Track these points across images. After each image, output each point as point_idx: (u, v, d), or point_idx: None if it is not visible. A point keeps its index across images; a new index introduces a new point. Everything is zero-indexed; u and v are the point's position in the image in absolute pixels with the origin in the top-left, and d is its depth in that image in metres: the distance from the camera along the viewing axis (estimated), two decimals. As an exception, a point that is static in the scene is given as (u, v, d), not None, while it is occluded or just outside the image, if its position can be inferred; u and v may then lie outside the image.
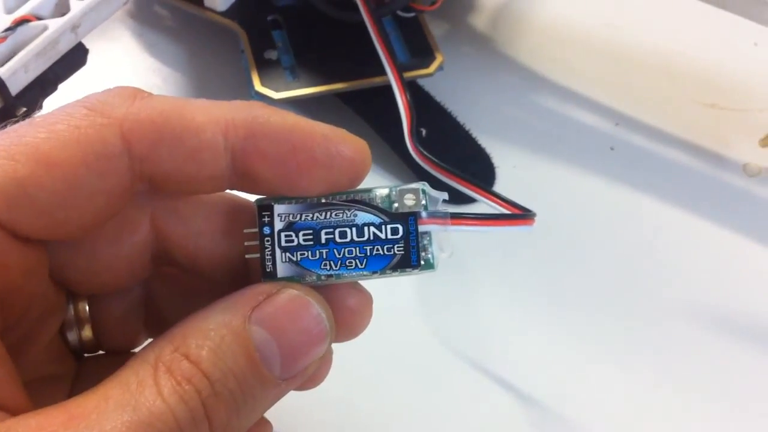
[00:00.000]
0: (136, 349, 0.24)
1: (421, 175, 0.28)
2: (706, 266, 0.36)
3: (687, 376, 0.33)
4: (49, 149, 0.18)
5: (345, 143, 0.20)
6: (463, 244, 0.36)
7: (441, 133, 0.39)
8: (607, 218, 0.37)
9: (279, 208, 0.20)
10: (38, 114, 0.31)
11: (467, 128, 0.40)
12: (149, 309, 0.24)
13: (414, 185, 0.20)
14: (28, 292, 0.19)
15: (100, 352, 0.24)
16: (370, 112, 0.39)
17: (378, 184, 0.20)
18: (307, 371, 0.19)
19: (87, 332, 0.23)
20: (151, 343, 0.19)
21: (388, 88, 0.35)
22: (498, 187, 0.38)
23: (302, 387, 0.22)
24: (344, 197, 0.20)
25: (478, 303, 0.34)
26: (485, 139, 0.39)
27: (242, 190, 0.20)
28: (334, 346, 0.23)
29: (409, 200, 0.20)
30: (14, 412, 0.17)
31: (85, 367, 0.23)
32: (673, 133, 0.40)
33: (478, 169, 0.38)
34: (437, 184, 0.22)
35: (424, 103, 0.40)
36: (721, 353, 0.33)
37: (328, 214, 0.20)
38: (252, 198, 0.21)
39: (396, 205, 0.20)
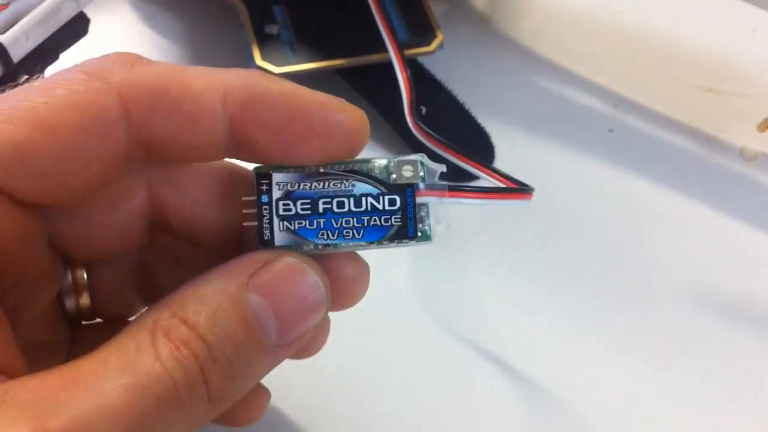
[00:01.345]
0: (131, 318, 0.24)
1: (421, 151, 0.28)
2: (703, 250, 0.36)
3: (681, 359, 0.33)
4: (47, 113, 0.18)
5: (343, 112, 0.20)
6: (460, 222, 0.36)
7: (441, 112, 0.39)
8: (604, 199, 0.37)
9: (277, 177, 0.20)
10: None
11: (467, 107, 0.40)
12: (144, 277, 0.24)
13: (412, 157, 0.20)
14: (24, 257, 0.19)
15: (97, 320, 0.24)
16: (369, 89, 0.39)
17: (381, 156, 0.20)
18: (302, 338, 0.19)
19: (84, 299, 0.23)
20: (148, 308, 0.19)
21: (387, 65, 0.35)
22: (497, 166, 0.38)
23: (299, 355, 0.23)
24: (342, 167, 0.20)
25: (474, 281, 0.35)
26: (484, 119, 0.39)
27: (240, 158, 0.20)
28: (331, 319, 0.23)
29: (407, 172, 0.20)
30: (12, 375, 0.17)
31: (80, 335, 0.23)
32: (671, 117, 0.40)
33: (478, 148, 0.38)
34: (435, 159, 0.22)
35: (424, 81, 0.40)
36: (718, 338, 0.34)
37: (326, 183, 0.20)
38: (250, 167, 0.21)
39: (394, 176, 0.20)
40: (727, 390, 0.32)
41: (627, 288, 0.35)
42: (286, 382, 0.26)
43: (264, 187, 0.20)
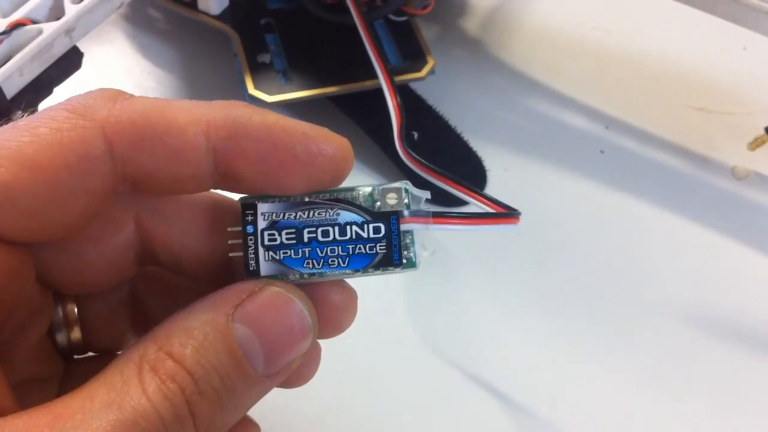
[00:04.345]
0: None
1: (412, 177, 0.28)
2: (695, 269, 0.36)
3: (673, 377, 0.33)
4: (32, 153, 0.18)
5: (326, 141, 0.20)
6: (452, 244, 0.36)
7: (432, 136, 0.39)
8: (596, 220, 0.38)
9: (262, 207, 0.20)
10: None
11: (458, 131, 0.40)
12: (135, 308, 0.24)
13: (396, 184, 0.20)
14: (14, 294, 0.19)
15: (89, 353, 0.24)
16: (361, 115, 0.39)
17: (369, 184, 0.20)
18: (290, 367, 0.19)
19: (75, 333, 0.23)
20: (135, 342, 0.19)
21: (379, 91, 0.35)
22: (489, 190, 0.38)
23: (291, 384, 0.23)
24: (327, 196, 0.20)
25: (467, 304, 0.35)
26: (476, 142, 0.39)
27: (226, 189, 0.21)
28: (323, 346, 0.23)
29: (392, 199, 0.20)
30: (1, 413, 0.17)
31: (72, 368, 0.23)
32: (662, 136, 0.41)
33: (469, 172, 0.39)
34: (425, 185, 0.22)
35: (415, 106, 0.40)
36: (708, 355, 0.34)
37: (311, 212, 0.20)
38: (236, 197, 0.21)
39: (378, 203, 0.20)
40: (717, 404, 0.32)
41: (620, 308, 0.35)
42: (278, 409, 0.26)
43: (249, 218, 0.20)
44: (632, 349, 0.34)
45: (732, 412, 0.32)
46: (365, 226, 0.20)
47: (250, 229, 0.20)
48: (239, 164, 0.19)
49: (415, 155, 0.30)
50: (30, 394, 0.21)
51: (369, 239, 0.20)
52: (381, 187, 0.20)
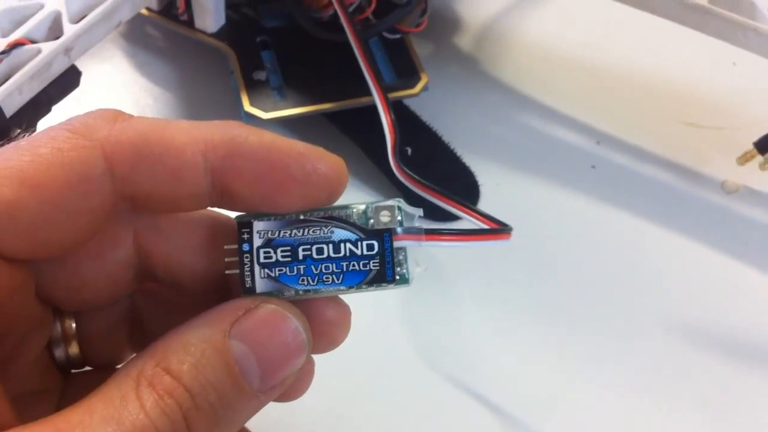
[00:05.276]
0: (121, 364, 0.24)
1: (406, 192, 0.29)
2: (685, 283, 0.36)
3: (665, 390, 0.33)
4: (33, 172, 0.18)
5: (321, 160, 0.20)
6: (445, 259, 0.36)
7: (426, 152, 0.40)
8: (588, 235, 0.38)
9: (258, 225, 0.20)
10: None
11: (452, 147, 0.40)
12: (133, 324, 0.24)
13: (390, 202, 0.21)
14: (13, 310, 0.20)
15: (87, 368, 0.24)
16: (356, 132, 0.39)
17: (363, 201, 0.21)
18: (285, 383, 0.20)
19: (74, 349, 0.23)
20: (133, 358, 0.19)
21: (374, 107, 0.36)
22: (482, 205, 0.38)
23: (285, 398, 0.23)
24: (322, 214, 0.21)
25: (460, 317, 0.35)
26: (470, 158, 0.40)
27: (223, 207, 0.21)
28: (318, 361, 0.23)
29: (385, 217, 0.21)
30: (1, 427, 0.17)
31: (71, 382, 0.24)
32: (653, 152, 0.41)
33: (463, 187, 0.39)
34: (419, 201, 0.22)
35: (409, 123, 0.40)
36: (700, 367, 0.34)
37: (306, 230, 0.20)
38: (233, 214, 0.21)
39: (372, 221, 0.21)
40: (709, 418, 0.32)
41: (613, 321, 0.35)
42: (272, 423, 0.26)
43: (245, 236, 0.20)
44: (626, 362, 0.34)
45: (723, 424, 0.32)
46: (359, 243, 0.20)
47: (246, 247, 0.20)
48: (236, 183, 0.20)
49: (408, 171, 0.30)
50: (29, 407, 0.21)
51: (363, 256, 0.20)
52: (374, 205, 0.21)
